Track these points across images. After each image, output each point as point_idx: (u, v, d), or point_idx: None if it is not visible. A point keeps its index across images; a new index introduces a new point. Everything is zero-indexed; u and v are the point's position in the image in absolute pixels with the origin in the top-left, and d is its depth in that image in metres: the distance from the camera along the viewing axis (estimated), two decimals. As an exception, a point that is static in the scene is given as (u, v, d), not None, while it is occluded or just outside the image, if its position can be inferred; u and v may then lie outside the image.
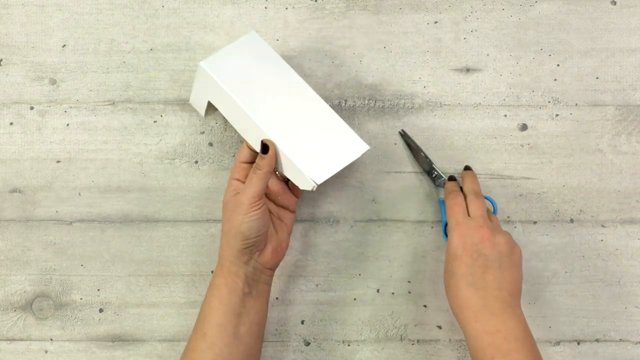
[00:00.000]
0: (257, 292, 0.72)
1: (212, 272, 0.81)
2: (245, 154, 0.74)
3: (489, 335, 0.67)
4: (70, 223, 0.82)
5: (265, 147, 0.71)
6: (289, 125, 0.73)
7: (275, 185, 0.75)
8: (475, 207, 0.73)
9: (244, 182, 0.73)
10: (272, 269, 0.74)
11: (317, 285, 0.81)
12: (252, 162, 0.74)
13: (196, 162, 0.82)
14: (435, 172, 0.80)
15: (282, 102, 0.74)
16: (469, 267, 0.70)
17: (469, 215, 0.73)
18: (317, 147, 0.72)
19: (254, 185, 0.70)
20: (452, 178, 0.79)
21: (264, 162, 0.71)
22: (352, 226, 0.82)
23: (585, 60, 0.84)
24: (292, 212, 0.77)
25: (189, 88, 0.82)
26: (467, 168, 0.80)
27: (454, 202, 0.74)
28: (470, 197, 0.75)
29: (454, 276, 0.70)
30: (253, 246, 0.71)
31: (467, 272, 0.69)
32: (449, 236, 0.72)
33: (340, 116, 0.83)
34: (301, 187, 0.72)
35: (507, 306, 0.68)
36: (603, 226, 0.82)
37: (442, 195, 0.81)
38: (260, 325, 0.72)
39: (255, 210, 0.69)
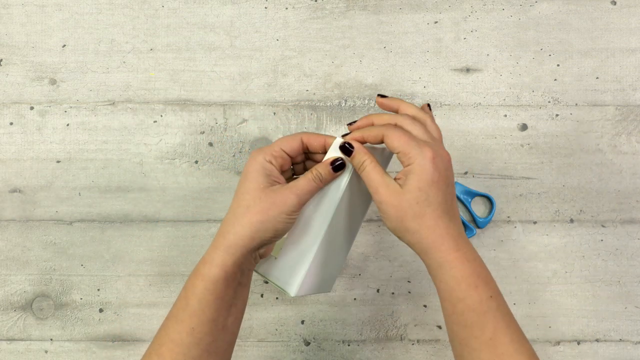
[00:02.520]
0: (246, 279, 0.67)
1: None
2: (295, 148, 0.66)
3: (470, 263, 0.62)
4: (70, 223, 0.82)
5: (340, 167, 0.65)
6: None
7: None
8: (420, 132, 0.65)
9: (277, 170, 0.66)
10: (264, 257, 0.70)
11: (317, 285, 0.82)
12: (293, 156, 0.67)
13: (196, 162, 0.82)
14: None
15: None
16: (444, 195, 0.63)
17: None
18: (320, 267, 0.68)
19: (310, 192, 0.64)
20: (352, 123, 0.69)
21: (331, 178, 0.65)
22: (352, 226, 0.82)
23: (585, 60, 0.84)
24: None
25: (189, 88, 0.82)
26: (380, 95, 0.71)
27: (395, 131, 0.65)
28: (404, 124, 0.66)
29: (431, 205, 0.62)
30: (270, 243, 0.66)
31: (443, 200, 0.63)
32: (418, 161, 0.63)
33: (341, 116, 0.83)
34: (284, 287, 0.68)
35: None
36: (603, 226, 0.82)
37: None
38: (243, 312, 0.68)
39: (297, 214, 0.64)
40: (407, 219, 0.62)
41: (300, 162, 0.69)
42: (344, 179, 0.66)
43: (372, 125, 0.67)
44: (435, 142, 0.65)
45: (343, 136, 0.67)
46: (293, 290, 0.66)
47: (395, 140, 0.64)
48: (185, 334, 0.63)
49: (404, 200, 0.62)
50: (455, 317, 0.62)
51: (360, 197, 0.69)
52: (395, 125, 0.65)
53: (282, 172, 0.67)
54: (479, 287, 0.62)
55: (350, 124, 0.68)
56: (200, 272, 0.63)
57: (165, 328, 0.64)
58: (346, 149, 0.65)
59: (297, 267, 0.66)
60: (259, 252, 0.66)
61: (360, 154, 0.65)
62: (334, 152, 0.66)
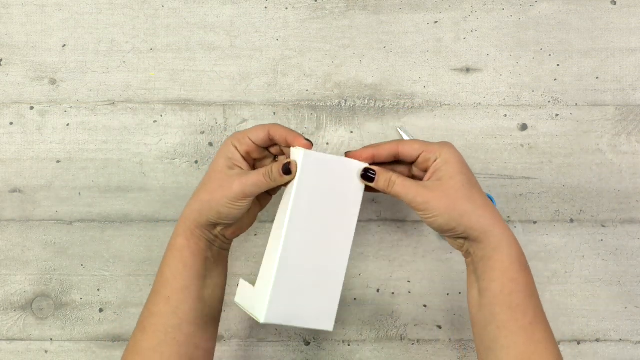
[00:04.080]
0: (217, 257, 0.69)
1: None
2: (261, 137, 0.68)
3: (518, 247, 0.64)
4: (70, 223, 0.82)
5: (288, 171, 0.65)
6: (301, 254, 0.65)
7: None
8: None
9: (243, 158, 0.68)
10: (231, 239, 0.72)
11: (317, 285, 0.81)
12: (259, 145, 0.69)
13: (196, 162, 0.82)
14: None
15: (317, 232, 0.65)
16: (475, 178, 0.66)
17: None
18: (298, 290, 0.64)
19: (257, 186, 0.65)
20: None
21: (280, 179, 0.66)
22: (352, 226, 0.82)
23: (585, 60, 0.84)
24: (272, 195, 0.74)
25: (189, 88, 0.82)
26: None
27: (414, 142, 0.67)
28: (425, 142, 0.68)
29: (475, 186, 0.64)
30: (223, 225, 0.68)
31: (476, 182, 0.65)
32: (443, 153, 0.65)
33: (341, 116, 0.83)
34: (250, 310, 0.66)
35: None
36: (603, 226, 0.82)
37: None
38: (222, 288, 0.70)
39: (243, 203, 0.66)
40: (459, 203, 0.63)
41: (275, 154, 0.71)
42: (292, 191, 0.64)
43: (373, 154, 0.68)
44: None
45: (346, 154, 0.68)
46: (262, 315, 0.62)
47: (410, 147, 0.66)
48: (162, 304, 0.66)
49: (450, 187, 0.63)
50: (502, 298, 0.62)
51: (337, 212, 0.66)
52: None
53: (255, 160, 0.70)
54: (527, 270, 0.63)
55: (347, 153, 0.69)
56: (169, 243, 0.68)
57: (146, 304, 0.67)
58: (368, 176, 0.66)
59: (264, 290, 0.64)
60: (219, 231, 0.68)
61: (384, 174, 0.66)
62: (293, 156, 0.65)
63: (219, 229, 0.68)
